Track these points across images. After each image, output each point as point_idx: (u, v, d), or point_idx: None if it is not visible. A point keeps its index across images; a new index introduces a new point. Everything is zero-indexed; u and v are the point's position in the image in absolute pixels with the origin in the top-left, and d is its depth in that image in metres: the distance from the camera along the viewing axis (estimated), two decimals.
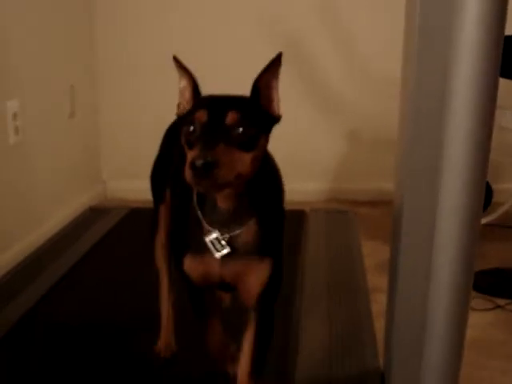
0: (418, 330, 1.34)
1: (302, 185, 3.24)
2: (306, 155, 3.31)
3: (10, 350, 1.79)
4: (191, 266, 1.31)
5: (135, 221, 2.86)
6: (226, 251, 1.24)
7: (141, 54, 3.29)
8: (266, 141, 1.20)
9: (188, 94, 1.24)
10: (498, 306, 2.14)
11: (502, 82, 2.38)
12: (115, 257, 2.46)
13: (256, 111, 1.19)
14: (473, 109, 1.18)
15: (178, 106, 1.26)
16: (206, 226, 1.25)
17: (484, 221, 2.71)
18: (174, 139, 1.49)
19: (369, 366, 1.67)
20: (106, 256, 2.48)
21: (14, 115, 2.43)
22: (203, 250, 1.26)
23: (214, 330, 1.47)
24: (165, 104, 3.23)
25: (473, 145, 1.20)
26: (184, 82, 1.25)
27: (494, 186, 2.89)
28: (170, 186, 1.59)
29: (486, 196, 2.84)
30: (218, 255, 1.25)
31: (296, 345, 1.77)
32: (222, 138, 1.11)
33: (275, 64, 1.19)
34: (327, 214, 2.92)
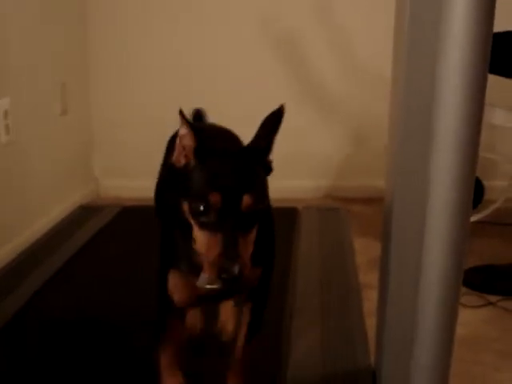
0: (408, 327, 1.34)
1: (294, 182, 3.24)
2: (299, 153, 3.31)
3: (5, 344, 1.79)
4: (177, 283, 1.30)
5: (128, 219, 2.86)
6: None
7: (133, 51, 3.29)
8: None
9: (188, 146, 1.17)
10: (490, 303, 2.15)
11: (494, 79, 2.39)
12: (107, 255, 2.46)
13: (260, 169, 1.17)
14: (462, 104, 1.18)
15: (174, 154, 1.20)
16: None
17: (476, 218, 2.72)
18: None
19: (360, 363, 1.67)
20: (99, 254, 2.47)
21: (5, 113, 2.42)
22: (192, 269, 1.24)
23: (171, 350, 1.41)
24: (158, 102, 3.27)
25: (462, 140, 1.20)
26: (185, 131, 1.17)
27: (486, 183, 2.89)
28: (156, 198, 1.59)
29: (477, 193, 2.86)
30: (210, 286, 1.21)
31: (288, 342, 1.77)
32: (239, 227, 1.08)
33: (278, 116, 1.17)
34: (319, 212, 2.93)
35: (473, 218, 2.70)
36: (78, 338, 1.82)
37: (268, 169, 1.20)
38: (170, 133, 1.64)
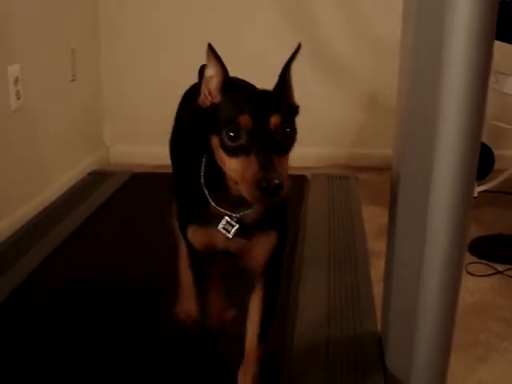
0: (414, 294, 1.35)
1: (303, 150, 3.23)
2: (309, 120, 3.29)
3: (13, 312, 1.81)
4: (195, 236, 1.32)
5: (137, 185, 2.87)
6: (235, 229, 1.24)
7: (144, 16, 3.27)
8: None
9: (215, 85, 1.18)
10: (498, 272, 2.16)
11: (506, 48, 2.37)
12: (117, 220, 2.48)
13: (286, 106, 1.18)
14: (468, 70, 1.18)
15: (201, 94, 1.20)
16: (214, 207, 1.25)
17: (486, 187, 2.71)
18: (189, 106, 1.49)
19: (366, 329, 1.68)
20: (109, 220, 2.49)
21: (16, 80, 2.42)
22: (209, 223, 1.27)
23: (213, 294, 1.48)
24: (168, 67, 3.26)
25: (468, 107, 1.20)
26: (212, 71, 1.18)
27: (496, 153, 2.88)
28: (172, 153, 1.59)
29: (487, 162, 2.86)
30: (229, 235, 1.25)
31: (295, 308, 1.78)
32: (272, 148, 1.09)
33: (295, 56, 1.18)
34: (329, 180, 2.93)
35: (483, 188, 2.70)
36: (87, 305, 1.84)
37: (294, 110, 1.22)
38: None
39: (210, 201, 1.25)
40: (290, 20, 3.17)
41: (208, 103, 1.19)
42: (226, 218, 1.24)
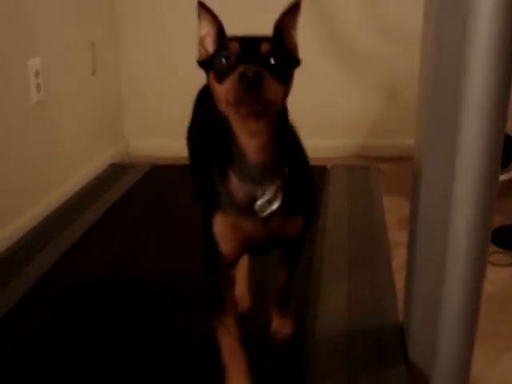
0: (436, 283, 1.34)
1: (323, 141, 3.23)
2: (329, 111, 3.30)
3: (35, 304, 1.83)
4: (223, 228, 1.24)
5: (157, 177, 2.88)
6: (276, 205, 1.19)
7: (163, 9, 3.27)
8: (293, 78, 1.16)
9: (210, 40, 1.18)
10: None
11: None
12: (138, 213, 2.49)
13: (283, 48, 1.16)
14: (492, 61, 1.16)
15: (198, 51, 1.20)
16: (237, 183, 1.19)
17: (507, 176, 2.69)
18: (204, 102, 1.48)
19: (388, 319, 1.68)
20: (129, 212, 2.50)
21: (36, 73, 2.44)
22: (238, 211, 1.21)
23: (231, 323, 1.35)
24: (188, 60, 3.22)
25: (491, 97, 1.18)
26: (206, 29, 1.18)
27: None
28: (189, 140, 1.59)
29: (509, 151, 2.82)
30: (265, 214, 1.20)
31: (317, 298, 1.78)
32: (260, 64, 1.07)
33: (295, 9, 1.17)
34: (349, 170, 2.92)
35: (505, 177, 2.68)
36: (108, 297, 1.85)
37: (293, 60, 1.19)
38: None
39: (233, 177, 1.19)
40: (307, 12, 3.16)
41: (204, 57, 1.18)
42: (266, 196, 1.18)
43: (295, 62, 1.19)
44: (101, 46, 3.07)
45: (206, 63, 1.17)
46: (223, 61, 1.11)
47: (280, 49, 1.14)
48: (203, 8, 1.17)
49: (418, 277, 1.46)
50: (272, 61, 1.10)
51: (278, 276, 1.49)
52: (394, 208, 2.51)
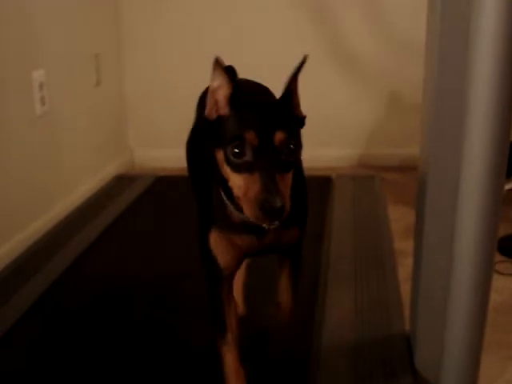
0: (443, 293, 1.34)
1: (327, 151, 3.23)
2: (333, 121, 3.29)
3: (43, 312, 1.83)
4: (218, 242, 1.27)
5: (162, 188, 2.89)
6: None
7: (167, 22, 3.28)
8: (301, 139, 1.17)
9: (221, 97, 1.15)
10: None
11: None
12: (143, 224, 2.49)
13: (292, 119, 1.16)
14: (496, 69, 1.16)
15: (207, 106, 1.18)
16: (237, 215, 1.20)
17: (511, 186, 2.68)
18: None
19: (395, 329, 1.67)
20: (134, 223, 2.50)
21: (41, 85, 2.44)
22: (234, 228, 1.23)
23: (232, 339, 1.36)
24: (191, 72, 3.26)
25: (496, 106, 1.18)
26: (219, 82, 1.15)
27: None
28: (189, 157, 1.58)
29: None
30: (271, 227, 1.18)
31: (323, 308, 1.78)
32: (276, 165, 1.07)
33: (302, 67, 1.15)
34: (353, 180, 2.92)
35: (510, 186, 2.67)
36: (113, 308, 1.85)
37: (300, 121, 1.19)
38: None
39: (232, 209, 1.20)
40: (312, 22, 3.16)
41: (214, 116, 1.17)
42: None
43: (301, 123, 1.19)
44: (105, 59, 3.08)
45: (214, 124, 1.16)
46: (236, 151, 1.09)
47: (291, 124, 1.14)
48: (217, 64, 1.14)
49: (425, 286, 1.45)
50: (287, 151, 1.10)
51: (279, 277, 1.47)
52: (398, 217, 2.51)
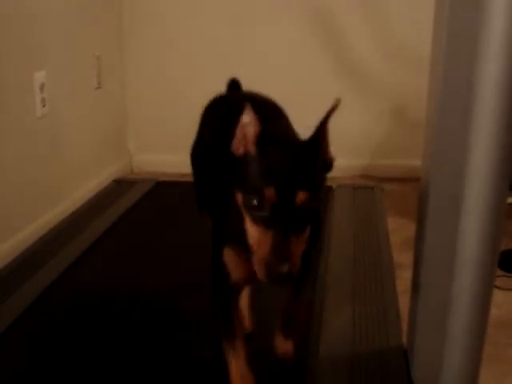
0: (441, 307, 1.33)
1: None
2: (333, 132, 3.28)
3: (40, 315, 1.82)
4: (232, 258, 1.27)
5: (161, 193, 2.88)
6: None
7: (169, 24, 3.27)
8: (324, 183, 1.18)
9: (250, 134, 1.14)
10: None
11: None
12: (141, 229, 2.48)
13: (318, 169, 1.15)
14: (500, 82, 1.15)
15: (235, 139, 1.17)
16: None
17: None
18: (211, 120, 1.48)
19: (392, 342, 1.66)
20: (132, 228, 2.49)
21: (42, 86, 2.43)
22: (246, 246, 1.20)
23: (240, 347, 1.35)
24: (193, 76, 3.26)
25: (500, 121, 1.17)
26: (249, 119, 1.14)
27: None
28: (195, 169, 1.57)
29: None
30: None
31: (320, 320, 1.76)
32: (292, 225, 1.06)
33: (333, 112, 1.15)
34: (354, 190, 2.91)
35: (511, 200, 2.66)
36: (111, 313, 1.84)
37: (328, 166, 1.20)
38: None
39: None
40: (315, 32, 3.16)
41: (241, 152, 1.15)
42: None
43: (328, 168, 1.19)
44: (106, 61, 3.07)
45: (239, 161, 1.15)
46: (254, 202, 1.07)
47: (317, 181, 1.13)
48: (249, 107, 1.13)
49: (423, 300, 1.44)
50: (306, 210, 1.08)
51: (284, 297, 1.46)
52: (397, 229, 2.50)
